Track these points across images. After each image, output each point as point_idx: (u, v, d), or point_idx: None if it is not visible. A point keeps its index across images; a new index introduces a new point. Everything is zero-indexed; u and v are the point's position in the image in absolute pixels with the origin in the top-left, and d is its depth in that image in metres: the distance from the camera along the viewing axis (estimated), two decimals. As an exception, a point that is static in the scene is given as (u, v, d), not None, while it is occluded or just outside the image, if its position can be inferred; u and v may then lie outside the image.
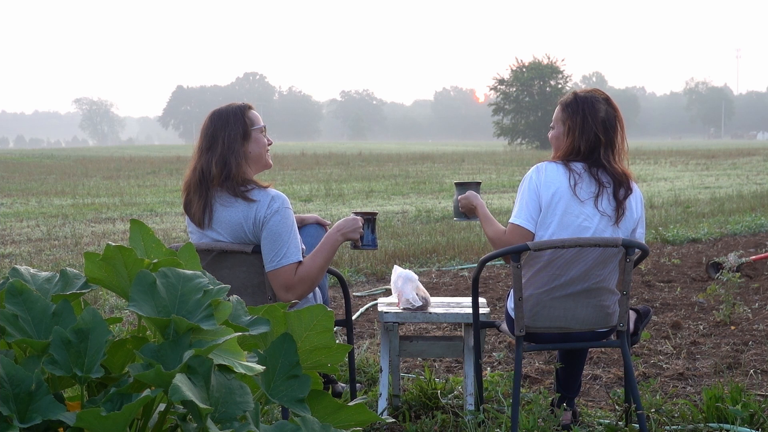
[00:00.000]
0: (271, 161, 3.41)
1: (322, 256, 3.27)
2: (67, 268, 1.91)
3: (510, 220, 3.27)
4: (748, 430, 3.31)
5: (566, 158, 3.26)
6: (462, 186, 3.60)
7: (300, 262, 3.22)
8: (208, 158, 3.25)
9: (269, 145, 3.38)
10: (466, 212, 3.56)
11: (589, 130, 3.23)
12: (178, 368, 1.55)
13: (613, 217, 3.20)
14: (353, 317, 5.33)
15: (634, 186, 3.28)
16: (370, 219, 3.45)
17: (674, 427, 3.43)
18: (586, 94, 3.29)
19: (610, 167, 3.22)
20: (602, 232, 3.19)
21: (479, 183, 3.67)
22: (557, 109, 3.37)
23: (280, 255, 3.18)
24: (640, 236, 3.33)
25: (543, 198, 3.19)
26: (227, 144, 3.24)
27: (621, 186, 3.22)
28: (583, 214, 3.18)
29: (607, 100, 3.29)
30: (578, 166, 3.22)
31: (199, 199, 3.26)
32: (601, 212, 3.19)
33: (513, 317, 3.23)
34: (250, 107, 3.37)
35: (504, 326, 3.42)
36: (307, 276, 3.22)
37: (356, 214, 3.43)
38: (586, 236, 3.15)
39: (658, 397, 3.67)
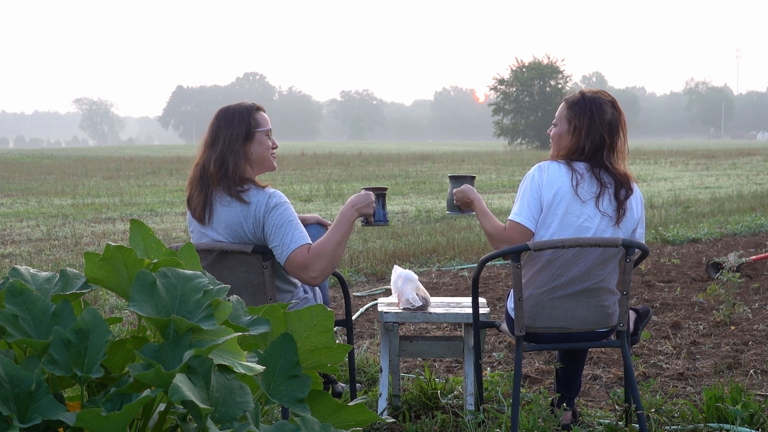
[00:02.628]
0: (275, 164, 3.40)
1: (339, 232, 3.24)
2: (67, 268, 1.91)
3: (509, 218, 3.26)
4: (748, 430, 3.31)
5: (569, 157, 3.25)
6: (457, 179, 3.56)
7: (309, 244, 3.21)
8: (209, 155, 3.28)
9: (274, 148, 3.38)
10: (461, 206, 3.52)
11: (595, 131, 3.22)
12: (178, 368, 1.55)
13: (614, 218, 3.20)
14: (353, 317, 5.33)
15: (635, 187, 3.28)
16: (381, 194, 3.42)
17: (674, 427, 3.43)
18: (593, 94, 3.29)
19: (612, 168, 3.22)
20: (603, 232, 3.19)
21: (474, 177, 3.62)
22: (562, 106, 3.35)
23: (287, 242, 3.17)
24: (640, 236, 3.33)
25: (544, 198, 3.19)
26: (228, 142, 3.25)
27: (622, 186, 3.22)
28: (585, 215, 3.18)
29: (613, 103, 3.30)
30: (580, 166, 3.22)
31: (199, 194, 3.28)
32: (602, 212, 3.18)
33: (513, 317, 3.23)
34: (258, 108, 3.38)
35: (504, 326, 3.42)
36: (323, 251, 3.19)
37: (366, 189, 3.40)
38: (587, 236, 3.15)
39: (658, 397, 3.67)
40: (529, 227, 3.20)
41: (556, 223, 3.17)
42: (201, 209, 3.27)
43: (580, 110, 3.26)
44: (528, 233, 3.21)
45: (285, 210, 3.21)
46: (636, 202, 3.28)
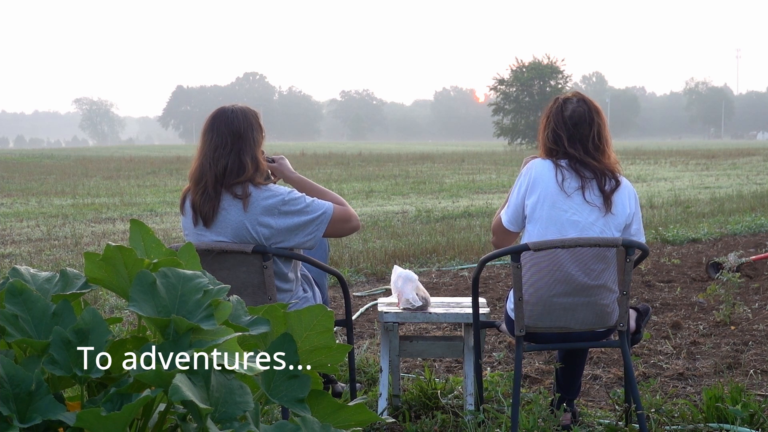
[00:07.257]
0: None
1: (317, 189, 3.48)
2: (67, 268, 1.90)
3: (500, 213, 3.41)
4: (748, 430, 3.31)
5: (547, 156, 3.34)
6: None
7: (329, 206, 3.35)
8: (229, 151, 3.24)
9: None
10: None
11: (552, 129, 3.33)
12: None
13: (602, 208, 3.22)
14: (353, 317, 5.33)
15: (624, 180, 3.31)
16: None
17: (674, 427, 3.44)
18: (562, 97, 3.42)
19: (592, 162, 3.26)
20: (592, 225, 3.20)
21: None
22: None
23: (323, 208, 3.29)
24: (636, 232, 3.34)
25: (529, 200, 3.26)
26: (254, 142, 3.29)
27: (604, 177, 3.25)
28: (572, 209, 3.21)
29: (583, 101, 3.37)
30: (563, 162, 3.28)
31: (214, 197, 3.23)
32: (590, 204, 3.21)
33: (513, 317, 3.23)
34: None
35: (504, 326, 3.43)
36: (338, 199, 3.44)
37: (270, 158, 3.55)
38: (587, 236, 3.16)
39: (658, 397, 3.67)
40: (511, 230, 3.37)
41: (545, 218, 3.23)
42: (212, 212, 3.23)
43: (544, 112, 3.42)
44: (511, 235, 3.39)
45: (292, 193, 3.26)
46: (627, 197, 3.29)
